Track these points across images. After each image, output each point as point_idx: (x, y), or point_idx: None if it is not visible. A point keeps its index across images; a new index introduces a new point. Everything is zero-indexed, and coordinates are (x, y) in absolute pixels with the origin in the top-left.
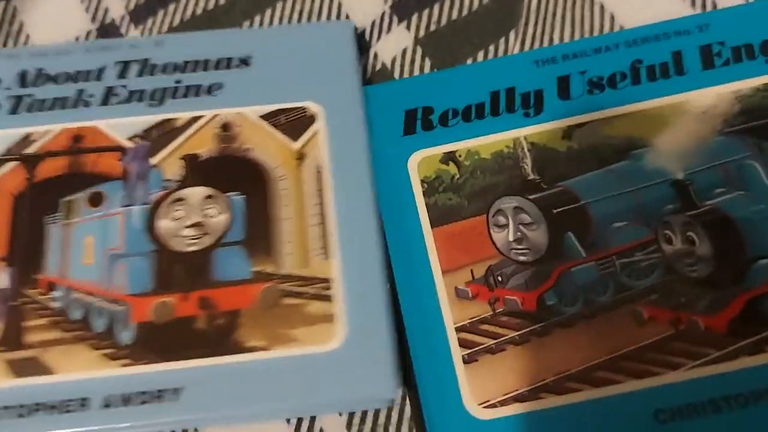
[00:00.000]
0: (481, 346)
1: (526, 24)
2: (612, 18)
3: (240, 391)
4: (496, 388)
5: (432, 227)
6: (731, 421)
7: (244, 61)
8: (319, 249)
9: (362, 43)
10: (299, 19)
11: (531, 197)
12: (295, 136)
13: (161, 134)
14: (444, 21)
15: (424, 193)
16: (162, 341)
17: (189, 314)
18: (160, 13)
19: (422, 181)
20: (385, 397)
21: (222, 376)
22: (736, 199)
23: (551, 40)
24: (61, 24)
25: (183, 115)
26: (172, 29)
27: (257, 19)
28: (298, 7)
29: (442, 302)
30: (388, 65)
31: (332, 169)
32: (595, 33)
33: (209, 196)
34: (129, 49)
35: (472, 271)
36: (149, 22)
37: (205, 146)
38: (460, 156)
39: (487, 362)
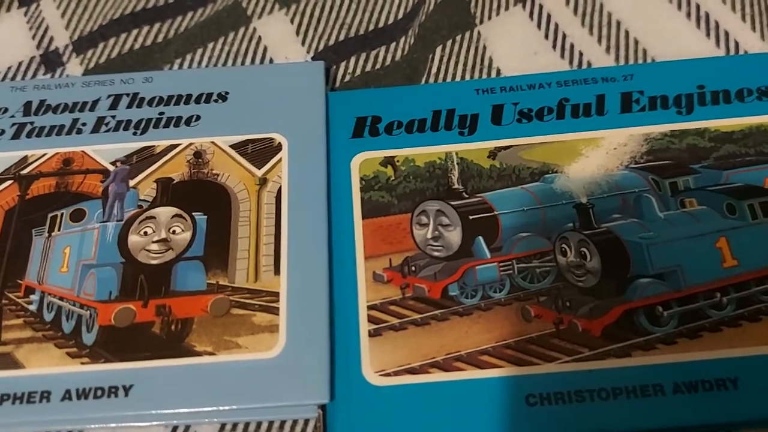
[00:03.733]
0: (386, 324)
1: (427, 81)
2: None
3: (184, 391)
4: (393, 360)
5: (363, 218)
6: (590, 410)
7: (222, 96)
8: (270, 265)
9: None
10: (226, 61)
11: (453, 203)
12: (260, 164)
13: (141, 159)
14: (358, 72)
15: (361, 189)
16: (119, 343)
17: (147, 320)
18: (101, 45)
19: (361, 179)
20: (317, 403)
21: (170, 376)
22: (628, 225)
23: None
24: (7, 48)
25: (162, 143)
26: (109, 60)
27: (188, 57)
28: (227, 49)
29: (360, 282)
30: None
31: (290, 193)
32: None
33: (176, 215)
34: (121, 84)
35: (390, 260)
36: (89, 53)
37: (178, 171)
38: (397, 161)
39: (390, 337)
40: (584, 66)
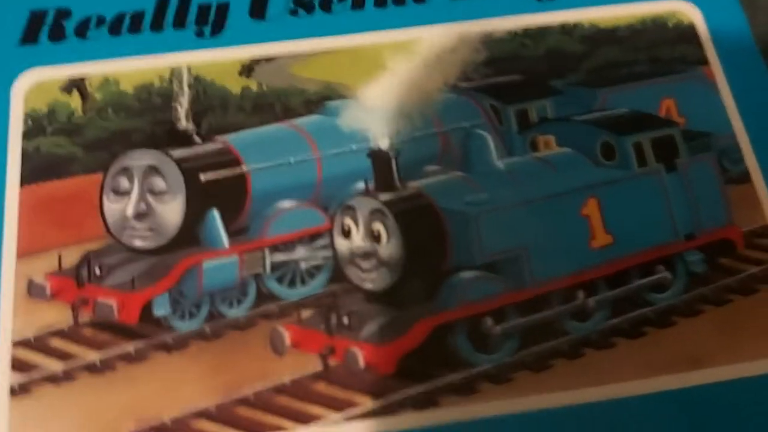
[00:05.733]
0: (42, 373)
1: None
2: None
3: None
4: None
5: (21, 184)
6: None
7: None
8: None
9: None
10: None
11: (174, 154)
12: None
13: None
14: None
15: (25, 134)
16: None
17: None
18: None
19: (27, 115)
20: None
21: None
22: (450, 182)
23: None
24: None
25: None
26: None
27: None
28: None
29: (4, 301)
30: None
31: None
32: None
33: None
34: None
35: (60, 257)
36: None
37: None
38: (90, 84)
39: (46, 396)
40: None
